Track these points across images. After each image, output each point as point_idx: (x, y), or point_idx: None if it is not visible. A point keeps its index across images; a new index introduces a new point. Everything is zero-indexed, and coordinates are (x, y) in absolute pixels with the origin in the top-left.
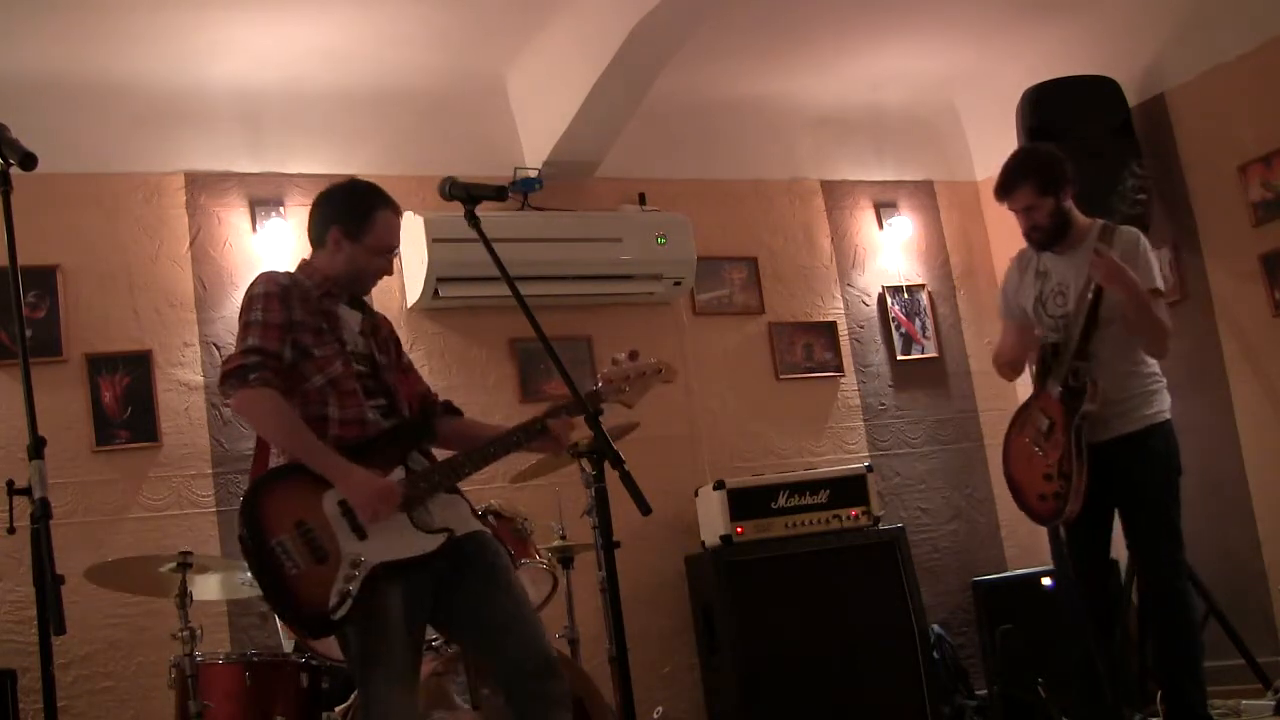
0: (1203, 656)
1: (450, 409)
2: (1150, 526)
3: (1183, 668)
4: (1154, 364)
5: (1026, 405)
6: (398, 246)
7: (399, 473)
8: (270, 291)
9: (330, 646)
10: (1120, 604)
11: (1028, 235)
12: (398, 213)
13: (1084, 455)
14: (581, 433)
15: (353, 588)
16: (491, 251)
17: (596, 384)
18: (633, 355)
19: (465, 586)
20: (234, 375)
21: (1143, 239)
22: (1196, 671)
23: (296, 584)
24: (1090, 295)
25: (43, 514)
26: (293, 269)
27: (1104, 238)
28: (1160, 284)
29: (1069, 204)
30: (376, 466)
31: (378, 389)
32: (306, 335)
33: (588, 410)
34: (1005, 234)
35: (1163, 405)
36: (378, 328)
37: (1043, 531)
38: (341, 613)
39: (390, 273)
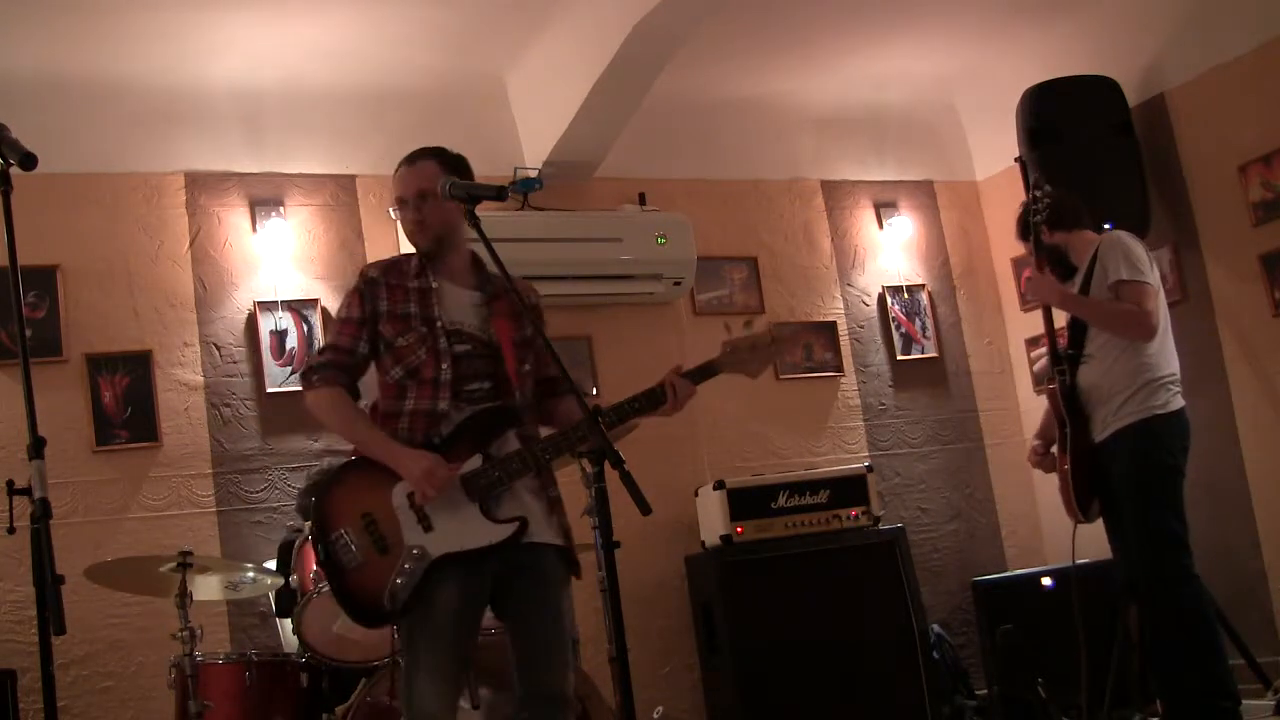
0: (1210, 654)
1: (571, 389)
2: (1129, 525)
3: (1174, 670)
4: (1153, 360)
5: None
6: (402, 196)
7: (475, 461)
8: (355, 286)
9: (330, 647)
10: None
11: None
12: (407, 164)
13: (1066, 452)
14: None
15: (405, 580)
16: (492, 251)
17: (719, 351)
18: (746, 324)
19: (516, 592)
20: (302, 378)
21: (1115, 239)
22: (1195, 673)
23: (356, 576)
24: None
25: (43, 514)
26: (295, 269)
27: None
28: (1125, 274)
29: (1054, 239)
30: (454, 457)
31: (483, 370)
32: (389, 326)
33: (588, 411)
34: (1005, 234)
35: (1154, 401)
36: (498, 300)
37: (1042, 532)
38: (394, 605)
39: (405, 227)
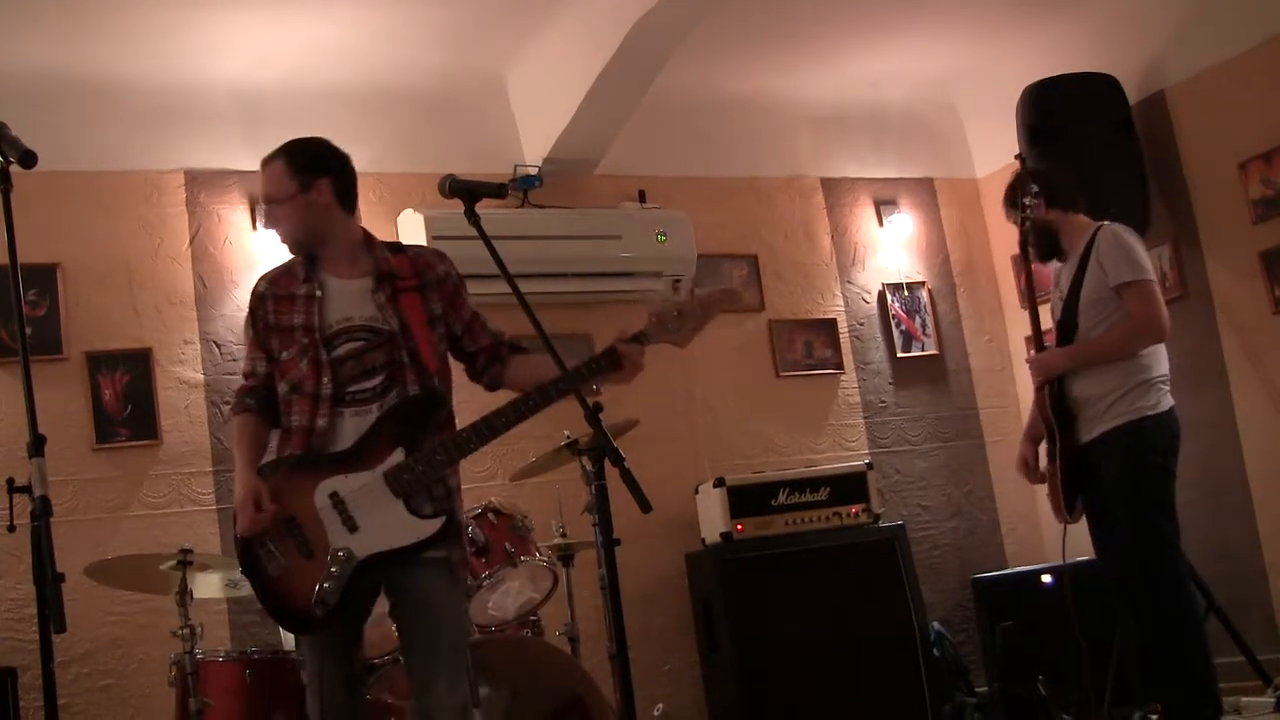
0: (1200, 654)
1: (515, 349)
2: (1120, 525)
3: (1165, 668)
4: (1147, 360)
5: None
6: (262, 198)
7: (398, 455)
8: (249, 305)
9: None
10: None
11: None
12: (261, 167)
13: (1054, 461)
14: (581, 430)
15: (333, 584)
16: (491, 249)
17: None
18: (675, 287)
19: (400, 598)
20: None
21: (1114, 233)
22: (1192, 670)
23: (281, 583)
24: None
25: (43, 512)
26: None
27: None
28: (1130, 275)
29: (1048, 216)
30: (373, 456)
31: (377, 363)
32: (276, 340)
33: (586, 408)
34: (1005, 231)
35: (1144, 401)
36: (388, 280)
37: (1042, 529)
38: (323, 610)
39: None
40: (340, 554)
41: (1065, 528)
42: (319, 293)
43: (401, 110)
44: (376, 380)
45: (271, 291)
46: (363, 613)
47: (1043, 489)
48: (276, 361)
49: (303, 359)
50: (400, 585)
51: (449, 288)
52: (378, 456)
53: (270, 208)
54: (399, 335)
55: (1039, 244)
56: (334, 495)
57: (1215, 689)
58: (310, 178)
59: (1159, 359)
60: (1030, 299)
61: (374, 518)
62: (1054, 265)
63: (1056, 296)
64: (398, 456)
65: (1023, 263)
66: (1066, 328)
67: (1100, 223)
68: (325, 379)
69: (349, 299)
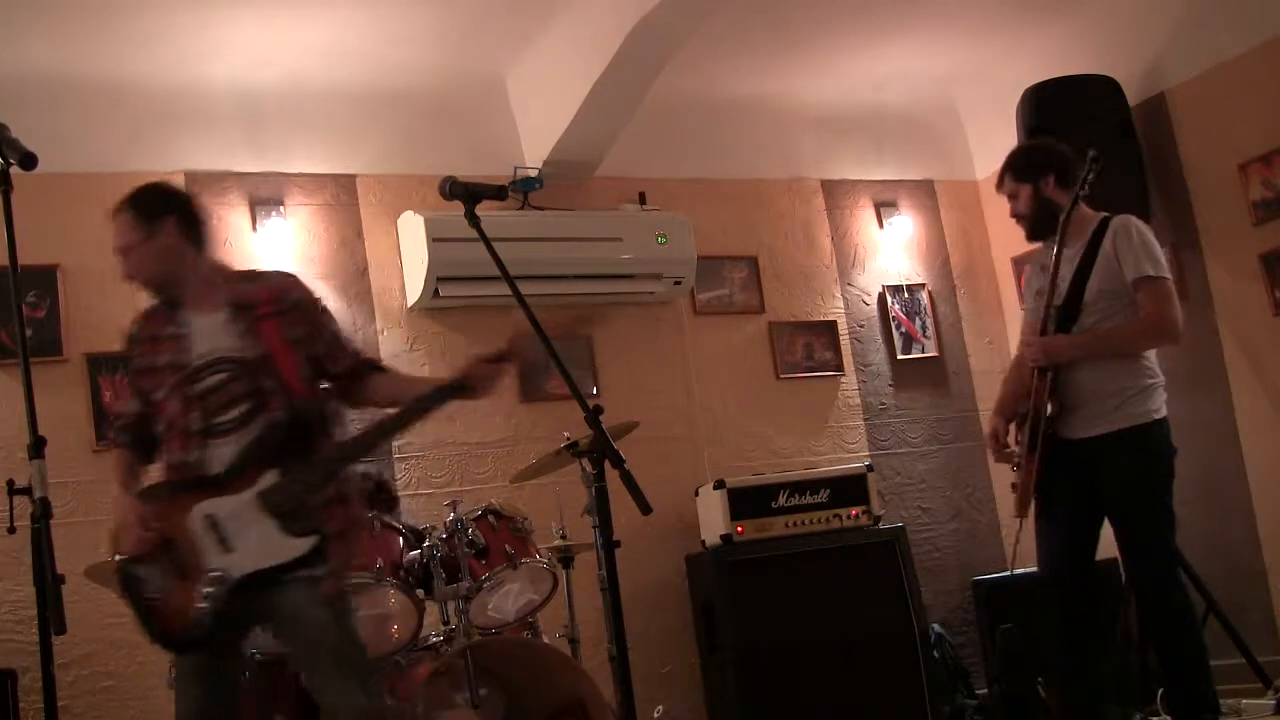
0: (1202, 655)
1: (374, 368)
2: (1129, 529)
3: (1175, 669)
4: (1151, 363)
5: None
6: (115, 250)
7: (271, 476)
8: (123, 347)
9: None
10: (1118, 603)
11: (1018, 223)
12: (113, 219)
13: (1035, 451)
14: (581, 432)
15: (208, 605)
16: (492, 251)
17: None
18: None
19: (274, 622)
20: None
21: (1135, 225)
22: (1193, 672)
23: (159, 604)
24: (1061, 291)
25: (43, 513)
26: (295, 269)
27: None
28: (1152, 270)
29: (1053, 193)
30: (244, 479)
31: (241, 392)
32: (147, 380)
33: (587, 410)
34: (1005, 233)
35: (1152, 405)
36: (245, 310)
37: None
38: (200, 632)
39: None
40: (215, 574)
41: (1021, 524)
42: (183, 330)
43: (401, 111)
44: (241, 409)
45: (141, 334)
46: (243, 637)
47: None
48: (152, 402)
49: (173, 396)
50: (270, 606)
51: (305, 311)
52: (250, 478)
53: (124, 257)
54: (261, 362)
55: (1037, 222)
56: (209, 517)
57: (1212, 691)
58: (155, 222)
59: (1156, 362)
60: (1054, 277)
61: (248, 538)
62: (1036, 256)
63: (1051, 283)
64: (271, 478)
65: (1060, 241)
66: (1067, 317)
67: (1105, 213)
68: (194, 414)
69: (211, 333)
